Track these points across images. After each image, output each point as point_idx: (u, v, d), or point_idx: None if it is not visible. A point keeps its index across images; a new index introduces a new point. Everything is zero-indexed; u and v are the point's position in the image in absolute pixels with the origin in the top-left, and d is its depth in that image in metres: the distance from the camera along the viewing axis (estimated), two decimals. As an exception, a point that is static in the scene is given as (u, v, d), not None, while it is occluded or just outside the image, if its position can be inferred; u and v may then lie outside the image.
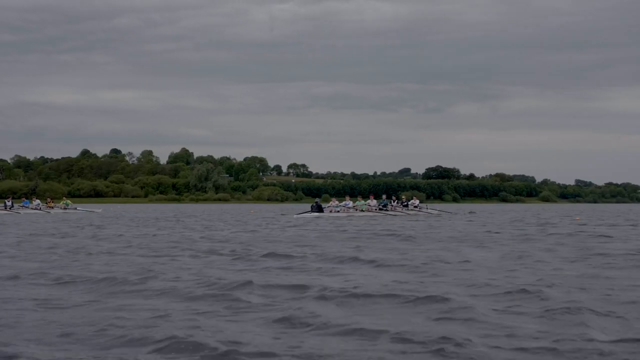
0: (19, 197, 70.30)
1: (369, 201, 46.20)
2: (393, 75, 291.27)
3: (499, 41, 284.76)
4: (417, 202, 50.06)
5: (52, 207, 56.38)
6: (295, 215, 42.69)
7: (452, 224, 30.82)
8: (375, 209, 45.05)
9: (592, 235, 21.35)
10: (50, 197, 69.87)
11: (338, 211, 43.84)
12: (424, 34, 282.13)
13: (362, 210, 44.43)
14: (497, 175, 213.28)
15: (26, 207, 54.83)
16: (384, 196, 48.73)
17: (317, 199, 47.97)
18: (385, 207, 45.64)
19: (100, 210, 61.43)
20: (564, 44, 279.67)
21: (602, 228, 27.37)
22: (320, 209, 43.18)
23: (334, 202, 45.93)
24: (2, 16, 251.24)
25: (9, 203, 53.19)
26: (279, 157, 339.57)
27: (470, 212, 53.90)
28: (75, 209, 59.76)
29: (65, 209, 56.98)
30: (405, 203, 47.97)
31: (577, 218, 40.93)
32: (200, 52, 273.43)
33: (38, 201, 58.26)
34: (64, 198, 63.94)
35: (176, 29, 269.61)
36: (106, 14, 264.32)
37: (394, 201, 47.65)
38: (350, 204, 45.39)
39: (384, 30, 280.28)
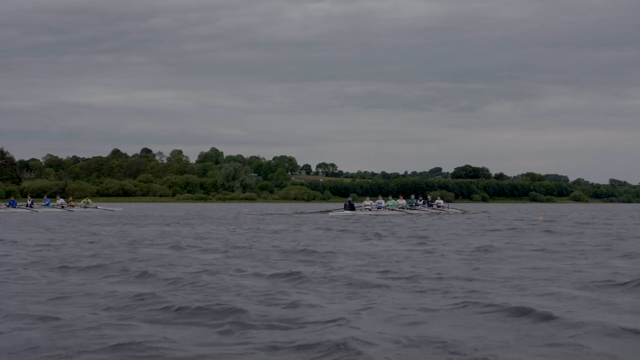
0: (49, 196, 72.47)
1: (398, 201, 48.58)
2: (426, 73, 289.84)
3: (535, 39, 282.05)
4: (441, 201, 52.56)
5: (73, 206, 57.55)
6: (330, 213, 44.57)
7: (438, 222, 31.93)
8: (404, 208, 47.41)
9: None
10: (72, 196, 71.01)
11: (369, 209, 46.39)
12: (458, 32, 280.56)
13: (391, 209, 46.71)
14: (527, 174, 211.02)
15: (44, 205, 55.90)
16: (412, 196, 51.60)
17: (349, 198, 50.05)
18: (413, 206, 48.25)
19: (120, 209, 62.33)
20: (600, 41, 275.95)
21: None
22: (352, 208, 45.41)
23: (368, 201, 48.49)
24: (40, 18, 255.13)
25: (29, 202, 54.95)
26: (312, 156, 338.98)
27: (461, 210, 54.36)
28: (96, 207, 60.57)
29: (85, 207, 58.00)
30: (431, 203, 50.71)
31: (540, 217, 41.24)
32: (236, 52, 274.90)
33: (62, 200, 59.80)
34: (86, 197, 64.87)
35: (212, 29, 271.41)
36: (142, 14, 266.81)
37: (420, 201, 50.25)
38: (383, 203, 47.79)
39: (419, 28, 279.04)
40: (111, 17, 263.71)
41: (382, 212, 46.06)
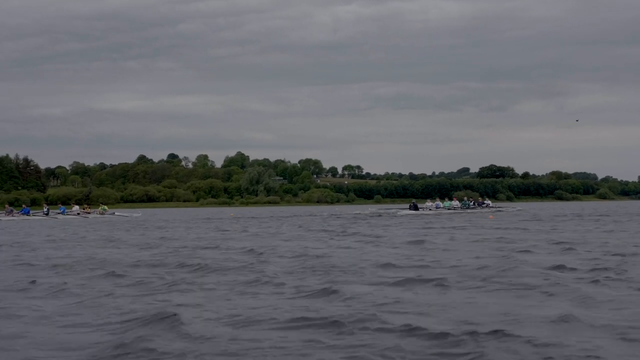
0: (75, 203, 74.04)
1: (452, 202, 54.49)
2: (457, 74, 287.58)
3: (567, 37, 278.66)
4: (489, 202, 58.98)
5: (89, 213, 58.20)
6: (398, 213, 50.07)
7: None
8: (459, 208, 53.10)
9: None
10: (86, 204, 71.92)
11: (430, 210, 51.77)
12: (489, 32, 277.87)
13: (448, 209, 52.31)
14: (553, 173, 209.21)
15: (60, 212, 56.65)
16: (465, 198, 59.52)
17: (413, 200, 57.18)
18: (467, 206, 54.04)
19: (139, 215, 62.91)
20: (633, 38, 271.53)
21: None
22: (416, 208, 51.31)
23: (429, 202, 54.58)
24: (70, 25, 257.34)
25: (45, 210, 55.88)
26: (341, 159, 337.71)
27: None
28: (113, 213, 61.27)
29: (102, 214, 58.62)
30: (480, 203, 56.73)
31: (491, 217, 42.66)
32: (264, 56, 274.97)
33: (77, 207, 60.61)
34: (101, 205, 65.42)
35: (241, 33, 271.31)
36: (171, 20, 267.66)
37: (471, 202, 56.34)
38: (440, 204, 53.24)
39: (449, 29, 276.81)
40: (140, 23, 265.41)
41: (444, 211, 51.02)
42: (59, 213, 56.64)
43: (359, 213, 55.09)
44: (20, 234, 30.06)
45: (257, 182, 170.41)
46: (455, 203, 53.99)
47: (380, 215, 49.84)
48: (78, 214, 57.27)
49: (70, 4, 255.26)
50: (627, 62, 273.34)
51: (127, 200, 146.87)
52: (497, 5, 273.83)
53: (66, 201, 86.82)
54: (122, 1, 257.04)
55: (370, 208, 71.57)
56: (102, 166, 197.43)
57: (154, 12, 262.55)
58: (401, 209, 53.38)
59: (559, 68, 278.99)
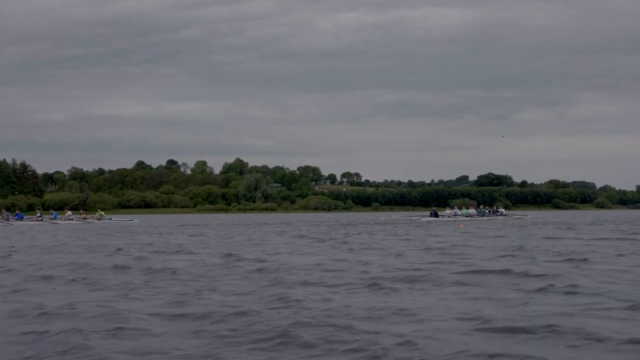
0: (71, 209, 74.58)
1: (469, 210, 58.23)
2: (458, 82, 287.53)
3: (568, 46, 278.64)
4: (502, 210, 62.96)
5: (85, 218, 58.16)
6: (421, 219, 52.58)
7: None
8: (475, 216, 55.76)
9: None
10: (82, 209, 71.91)
11: (448, 217, 54.17)
12: (490, 40, 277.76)
13: (465, 216, 54.88)
14: (551, 181, 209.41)
15: (52, 218, 56.42)
16: (480, 205, 63.92)
17: (434, 208, 61.21)
18: (482, 214, 56.89)
19: (136, 221, 62.90)
20: (635, 47, 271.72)
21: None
22: (436, 215, 53.72)
23: (448, 210, 58.18)
24: (73, 30, 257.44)
25: (39, 215, 55.91)
26: (341, 166, 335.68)
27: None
28: (110, 219, 61.36)
29: (99, 219, 58.63)
30: (495, 211, 60.59)
31: (462, 225, 43.14)
32: (266, 62, 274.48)
33: (69, 212, 60.74)
34: (98, 210, 65.29)
35: (243, 40, 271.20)
36: (174, 26, 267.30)
37: (486, 210, 59.98)
38: (459, 212, 56.76)
39: (450, 37, 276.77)
40: (143, 29, 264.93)
41: (459, 218, 53.60)
42: (51, 219, 56.30)
43: (395, 219, 57.75)
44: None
45: (255, 189, 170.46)
46: (472, 211, 57.21)
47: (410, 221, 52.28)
48: (71, 219, 57.13)
49: (72, 10, 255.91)
50: (628, 71, 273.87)
51: (124, 206, 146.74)
52: (499, 13, 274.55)
53: (62, 207, 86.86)
54: (125, 7, 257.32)
55: (394, 215, 75.09)
56: (101, 172, 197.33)
57: (156, 18, 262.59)
58: (423, 216, 56.20)
59: (560, 77, 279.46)
